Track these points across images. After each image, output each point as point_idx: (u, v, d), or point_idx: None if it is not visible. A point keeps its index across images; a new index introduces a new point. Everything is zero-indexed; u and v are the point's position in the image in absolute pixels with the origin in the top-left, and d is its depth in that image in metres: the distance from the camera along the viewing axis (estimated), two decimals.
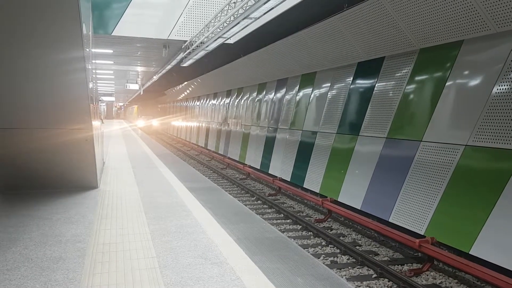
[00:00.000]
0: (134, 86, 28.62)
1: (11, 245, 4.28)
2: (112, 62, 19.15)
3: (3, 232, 4.71)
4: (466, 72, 6.77)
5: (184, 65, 14.95)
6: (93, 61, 8.55)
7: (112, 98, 55.34)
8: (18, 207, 5.87)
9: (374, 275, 6.25)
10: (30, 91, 5.55)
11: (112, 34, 11.64)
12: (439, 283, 6.04)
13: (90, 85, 6.14)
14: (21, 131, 6.04)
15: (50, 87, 5.59)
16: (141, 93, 33.95)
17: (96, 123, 7.47)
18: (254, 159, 15.89)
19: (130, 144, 16.29)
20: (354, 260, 6.88)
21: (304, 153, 11.77)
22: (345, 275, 6.26)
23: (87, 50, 5.79)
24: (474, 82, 6.63)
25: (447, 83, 7.06)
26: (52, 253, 4.06)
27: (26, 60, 5.08)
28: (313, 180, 11.02)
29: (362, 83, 9.48)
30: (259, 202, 11.45)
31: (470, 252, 6.13)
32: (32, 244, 4.31)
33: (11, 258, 3.90)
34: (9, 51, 4.91)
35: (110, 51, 15.36)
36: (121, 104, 76.65)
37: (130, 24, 11.66)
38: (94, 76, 8.25)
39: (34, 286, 3.31)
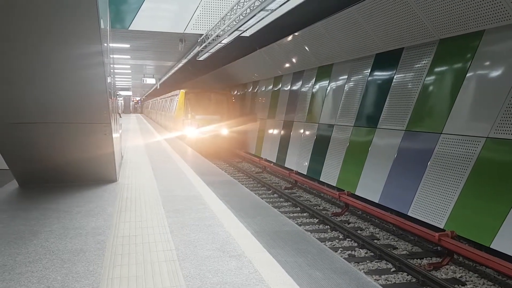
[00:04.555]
0: (150, 80, 28.81)
1: (33, 237, 4.36)
2: (129, 57, 19.28)
3: (25, 225, 4.80)
4: (487, 63, 6.62)
5: (200, 58, 14.96)
6: (111, 56, 8.61)
7: (129, 93, 55.80)
8: (39, 200, 5.98)
9: (393, 269, 6.19)
10: (49, 86, 5.62)
11: (129, 28, 11.71)
12: (459, 277, 5.96)
13: (108, 80, 6.19)
14: (41, 126, 6.13)
15: (69, 82, 5.64)
16: (158, 87, 34.13)
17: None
18: (269, 153, 15.87)
19: None
20: (372, 254, 6.83)
21: (320, 146, 11.70)
22: (363, 269, 6.22)
23: (105, 44, 5.83)
24: (495, 73, 6.48)
25: (468, 74, 6.91)
26: (72, 245, 4.12)
27: (45, 55, 5.14)
28: (330, 174, 10.95)
29: (380, 74, 9.36)
30: (275, 195, 11.44)
31: (490, 246, 6.02)
32: (53, 237, 4.38)
33: (33, 251, 3.97)
34: (28, 46, 4.97)
35: (127, 45, 15.46)
36: (138, 98, 77.41)
37: (147, 18, 11.70)
38: (112, 70, 8.31)
39: (56, 278, 3.36)
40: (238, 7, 9.83)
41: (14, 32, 4.67)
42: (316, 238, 6.45)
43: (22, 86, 5.48)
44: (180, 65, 19.61)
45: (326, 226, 8.38)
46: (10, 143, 6.32)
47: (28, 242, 4.22)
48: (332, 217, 8.84)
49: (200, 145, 17.56)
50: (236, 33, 10.55)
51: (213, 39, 11.89)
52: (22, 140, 6.32)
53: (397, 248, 7.16)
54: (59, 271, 3.49)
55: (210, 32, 12.16)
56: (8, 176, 7.33)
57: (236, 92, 22.52)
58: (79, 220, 4.99)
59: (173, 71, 23.12)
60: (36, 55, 5.12)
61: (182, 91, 19.40)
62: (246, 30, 10.31)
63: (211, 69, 23.06)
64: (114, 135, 6.97)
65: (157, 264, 3.66)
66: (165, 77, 28.26)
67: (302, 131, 13.18)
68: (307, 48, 12.09)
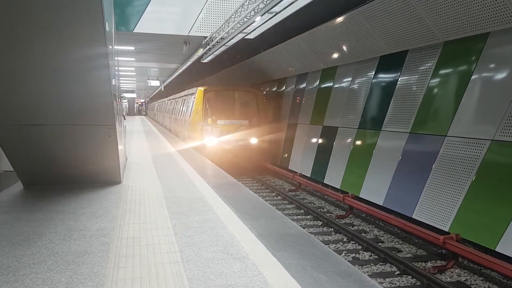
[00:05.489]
0: (155, 83, 28.92)
1: (37, 239, 4.37)
2: (133, 59, 19.35)
3: (29, 226, 4.81)
4: (492, 65, 6.60)
5: (204, 61, 14.98)
6: (116, 58, 8.65)
7: (134, 95, 55.85)
8: (43, 202, 5.99)
9: (397, 272, 6.17)
10: (54, 88, 5.65)
11: (134, 31, 11.76)
12: (464, 281, 5.93)
13: (113, 82, 6.21)
14: (46, 128, 6.16)
15: (74, 84, 5.67)
16: (162, 89, 34.21)
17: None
18: (273, 155, 15.84)
19: None
20: (376, 256, 6.81)
21: (324, 148, 11.68)
22: (367, 272, 6.20)
23: (110, 47, 5.85)
24: (500, 75, 6.46)
25: (473, 77, 6.89)
26: (77, 247, 4.13)
27: (50, 58, 5.16)
28: (334, 176, 10.93)
29: (385, 77, 9.34)
30: (279, 197, 11.43)
31: (496, 249, 5.99)
32: (58, 238, 4.39)
33: (37, 252, 3.98)
34: (33, 49, 5.00)
35: (132, 48, 15.52)
36: (142, 100, 77.96)
37: (152, 21, 11.76)
38: (116, 73, 8.35)
39: (60, 280, 3.37)
40: (243, 9, 9.85)
41: (19, 34, 4.70)
42: (320, 241, 6.45)
43: (27, 88, 5.51)
44: (184, 67, 19.65)
45: (330, 229, 8.37)
46: (15, 144, 6.35)
47: (32, 243, 4.23)
48: (336, 220, 8.82)
49: (224, 158, 14.22)
50: (240, 36, 10.56)
51: (217, 42, 11.92)
52: (27, 142, 6.35)
53: (402, 251, 7.13)
54: (64, 273, 3.50)
55: (214, 35, 12.19)
56: (13, 177, 7.37)
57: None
58: (84, 222, 5.00)
59: (177, 73, 23.17)
60: (41, 58, 5.15)
61: (200, 88, 15.46)
62: (250, 32, 10.32)
63: (215, 71, 23.12)
64: (119, 137, 6.99)
65: (161, 266, 3.66)
66: (169, 79, 28.33)
67: (306, 133, 13.16)
68: (311, 51, 12.08)
